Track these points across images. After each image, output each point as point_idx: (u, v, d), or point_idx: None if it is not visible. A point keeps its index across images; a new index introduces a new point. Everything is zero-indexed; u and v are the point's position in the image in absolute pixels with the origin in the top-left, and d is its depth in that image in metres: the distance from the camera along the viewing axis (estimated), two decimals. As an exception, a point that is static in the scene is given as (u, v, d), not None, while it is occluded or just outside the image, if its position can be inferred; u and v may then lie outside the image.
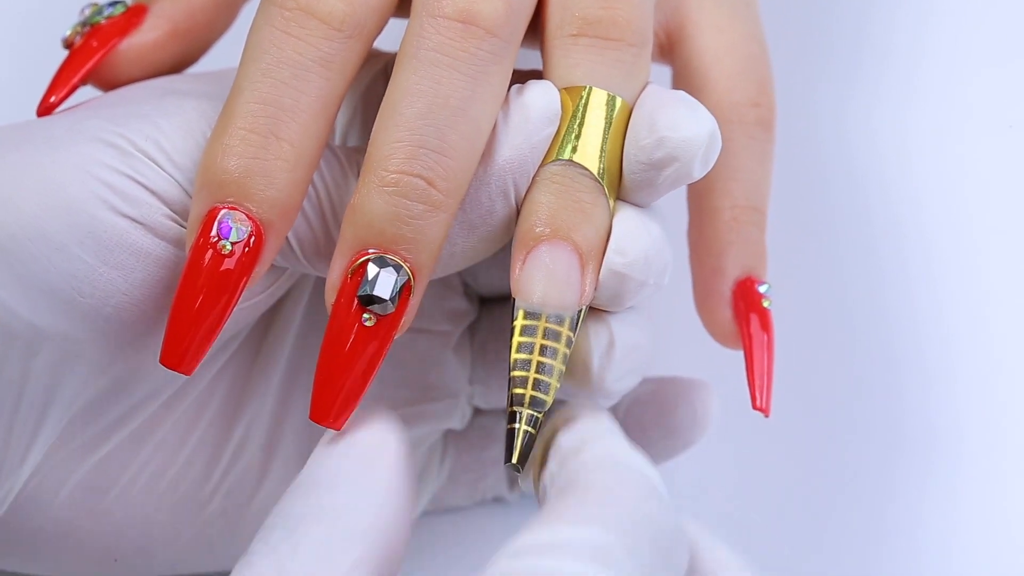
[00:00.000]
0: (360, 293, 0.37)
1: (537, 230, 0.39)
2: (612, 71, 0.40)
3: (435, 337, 0.47)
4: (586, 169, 0.39)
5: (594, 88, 0.39)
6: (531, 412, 0.38)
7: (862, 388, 0.54)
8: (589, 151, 0.39)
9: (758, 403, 0.42)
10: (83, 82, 0.43)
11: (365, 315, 0.37)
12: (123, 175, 0.38)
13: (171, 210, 0.39)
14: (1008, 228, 0.57)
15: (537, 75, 0.41)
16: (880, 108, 0.59)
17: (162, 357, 0.38)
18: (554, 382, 0.38)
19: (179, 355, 0.38)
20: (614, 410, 0.47)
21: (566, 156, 0.39)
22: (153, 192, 0.38)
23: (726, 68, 0.44)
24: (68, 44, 0.44)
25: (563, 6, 0.40)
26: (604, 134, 0.39)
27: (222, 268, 0.37)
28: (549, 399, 0.38)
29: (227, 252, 0.37)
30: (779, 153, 0.46)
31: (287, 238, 0.39)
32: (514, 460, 0.38)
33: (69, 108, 0.42)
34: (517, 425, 0.38)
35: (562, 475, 0.37)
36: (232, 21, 0.45)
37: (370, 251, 0.37)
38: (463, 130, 0.38)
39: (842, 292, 0.56)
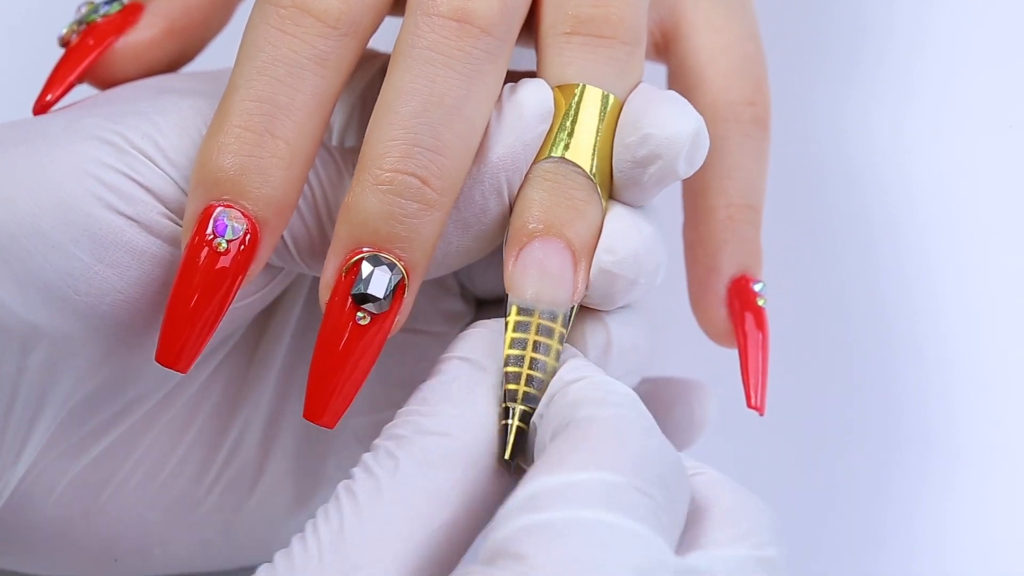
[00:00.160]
0: (354, 291, 0.38)
1: (530, 226, 0.39)
2: (605, 69, 0.40)
3: (433, 338, 0.47)
4: (579, 167, 0.39)
5: (587, 86, 0.40)
6: (524, 408, 0.38)
7: (858, 387, 0.54)
8: (582, 149, 0.39)
9: (753, 402, 0.42)
10: (79, 80, 0.43)
11: (359, 314, 0.38)
12: (119, 173, 0.38)
13: (167, 208, 0.39)
14: (1005, 228, 0.57)
15: (532, 75, 0.41)
16: (878, 107, 0.59)
17: (158, 355, 0.38)
18: (547, 378, 0.38)
19: (175, 353, 0.38)
20: None
21: (559, 153, 0.39)
22: (149, 190, 0.39)
23: (721, 67, 0.45)
24: (64, 42, 0.44)
25: (557, 4, 0.40)
26: (597, 132, 0.39)
27: (218, 266, 0.38)
28: (541, 395, 0.38)
29: (223, 250, 0.38)
30: (776, 152, 0.46)
31: (282, 237, 0.39)
32: (507, 456, 0.38)
33: (65, 107, 0.42)
34: (510, 421, 0.38)
35: (554, 415, 0.37)
36: (228, 19, 0.45)
37: (364, 250, 0.38)
38: (458, 129, 0.38)
39: (839, 291, 0.56)
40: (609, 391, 0.37)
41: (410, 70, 0.38)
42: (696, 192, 0.44)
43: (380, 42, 0.41)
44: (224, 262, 0.38)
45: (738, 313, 0.43)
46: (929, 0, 0.61)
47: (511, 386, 0.38)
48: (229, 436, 0.44)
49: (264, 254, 0.38)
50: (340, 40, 0.39)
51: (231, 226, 0.38)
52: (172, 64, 0.44)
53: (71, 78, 0.43)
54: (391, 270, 0.38)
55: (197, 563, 0.46)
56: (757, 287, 0.44)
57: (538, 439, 0.38)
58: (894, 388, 0.54)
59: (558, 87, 0.40)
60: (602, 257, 0.39)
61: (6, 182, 0.38)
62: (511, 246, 0.39)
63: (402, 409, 0.38)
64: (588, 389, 0.37)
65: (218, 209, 0.38)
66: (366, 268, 0.37)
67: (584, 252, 0.39)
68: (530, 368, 0.38)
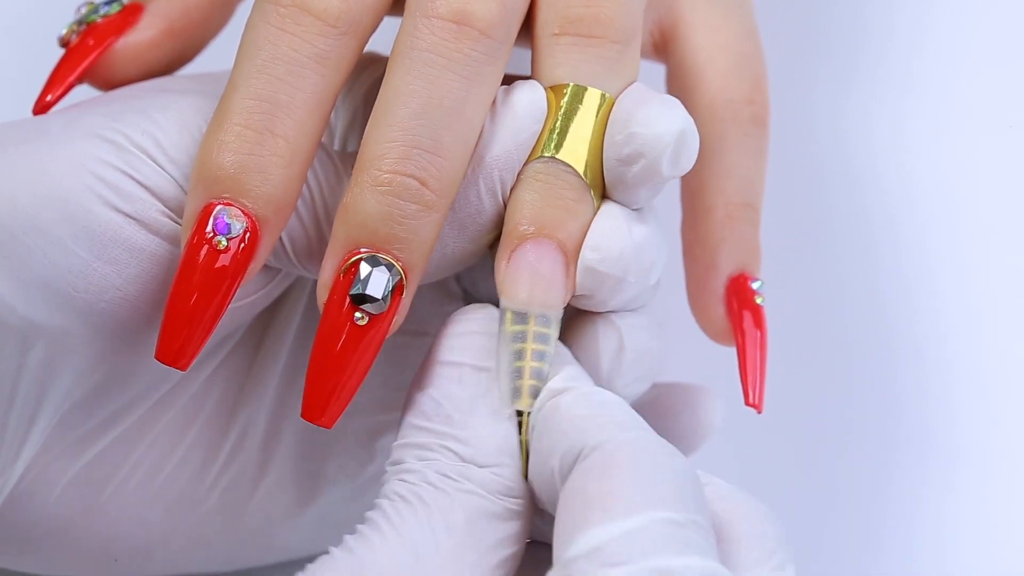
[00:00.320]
0: (352, 292, 0.38)
1: (522, 229, 0.39)
2: (594, 68, 0.40)
3: (431, 340, 0.47)
4: (570, 166, 0.39)
5: (576, 85, 0.40)
6: (529, 422, 0.39)
7: (857, 386, 0.54)
8: (573, 148, 0.40)
9: (750, 399, 0.43)
10: (79, 81, 0.44)
11: (357, 314, 0.38)
12: (118, 171, 0.39)
13: (166, 206, 0.39)
14: (1005, 227, 0.57)
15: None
16: (878, 107, 0.59)
17: (157, 353, 0.38)
18: (542, 385, 0.39)
19: (174, 351, 0.38)
20: None
21: (549, 153, 0.40)
22: (148, 188, 0.39)
23: (720, 66, 0.45)
24: (64, 43, 0.44)
25: (549, 5, 0.40)
26: (589, 131, 0.40)
27: (217, 264, 0.38)
28: (537, 402, 0.38)
29: (223, 248, 0.38)
30: (776, 152, 0.46)
31: (280, 238, 0.40)
32: (524, 473, 0.39)
33: (66, 107, 0.42)
34: (523, 436, 0.39)
35: (550, 432, 0.37)
36: (228, 19, 0.45)
37: (362, 250, 0.38)
38: (456, 131, 0.38)
39: (838, 290, 0.56)
40: (601, 403, 0.37)
41: (409, 72, 0.38)
42: (694, 191, 0.44)
43: (379, 43, 0.41)
44: (224, 260, 0.38)
45: (736, 311, 0.44)
46: (929, 0, 0.61)
47: (519, 402, 0.38)
48: (230, 437, 0.45)
49: (264, 252, 0.38)
50: (340, 39, 0.39)
51: (231, 224, 0.38)
52: (172, 64, 0.44)
53: (71, 78, 0.43)
54: (389, 271, 0.38)
55: (197, 563, 0.46)
56: (755, 285, 0.44)
57: (533, 454, 0.38)
58: (893, 387, 0.54)
59: (550, 87, 0.40)
60: (587, 255, 0.39)
61: (6, 180, 0.39)
62: (503, 248, 0.39)
63: (426, 424, 0.39)
64: (579, 405, 0.37)
65: (218, 207, 0.38)
66: (364, 268, 0.38)
67: (575, 253, 0.39)
68: (531, 379, 0.38)
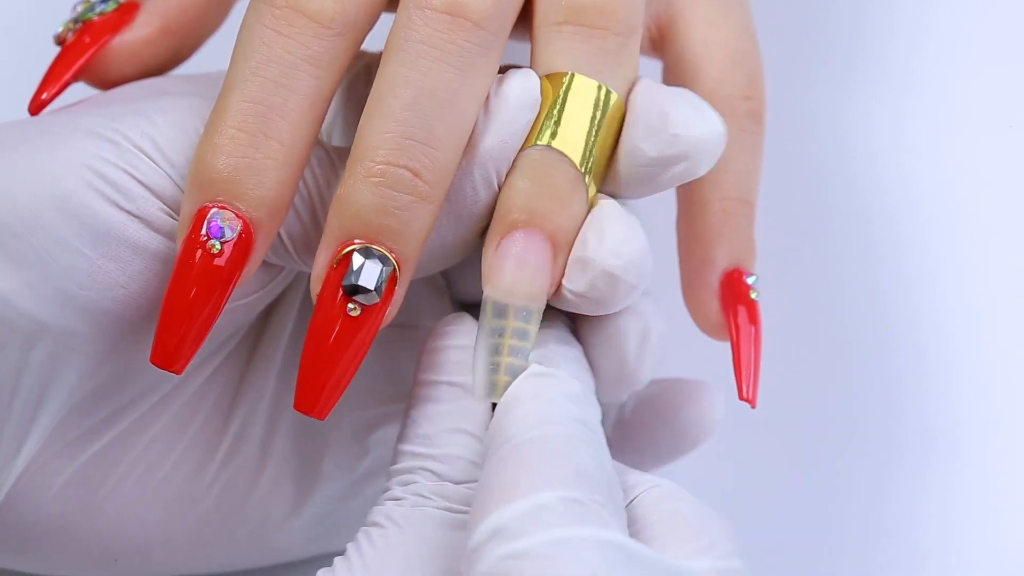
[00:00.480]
0: (345, 283, 0.38)
1: (512, 217, 0.39)
2: (595, 59, 0.40)
3: (425, 333, 0.47)
4: (565, 156, 0.40)
5: (576, 74, 0.40)
6: None
7: (854, 384, 0.54)
8: (569, 138, 0.40)
9: (744, 394, 0.43)
10: (75, 79, 0.44)
11: (350, 305, 0.38)
12: (119, 169, 0.39)
13: (166, 205, 0.39)
14: (1005, 227, 0.57)
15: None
16: (878, 106, 0.60)
17: (153, 356, 0.38)
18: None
19: (169, 354, 0.38)
20: (620, 411, 0.48)
21: (545, 142, 0.40)
22: (148, 187, 0.39)
23: (717, 62, 0.45)
24: (60, 41, 0.44)
25: None
26: (590, 122, 0.40)
27: (212, 267, 0.38)
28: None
29: (217, 251, 0.38)
30: (775, 150, 0.47)
31: (279, 234, 0.40)
32: None
33: (64, 107, 0.42)
34: None
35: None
36: (224, 17, 0.45)
37: (356, 242, 0.38)
38: (450, 122, 0.38)
39: (838, 290, 0.56)
40: (535, 397, 0.38)
41: (403, 63, 0.38)
42: (690, 186, 0.45)
43: (374, 42, 0.42)
44: (218, 263, 0.38)
45: (731, 306, 0.44)
46: (929, 0, 0.61)
47: (494, 396, 0.39)
48: (228, 435, 0.45)
49: (258, 255, 0.39)
50: (334, 40, 0.39)
51: (225, 227, 0.38)
52: (168, 63, 0.45)
53: (67, 76, 0.44)
54: (382, 262, 0.38)
55: (197, 564, 0.46)
56: (750, 280, 0.44)
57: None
58: (891, 386, 0.54)
59: (547, 76, 0.40)
60: (608, 260, 0.39)
61: (7, 179, 0.39)
62: (492, 235, 0.39)
63: (409, 448, 0.40)
64: (522, 395, 0.38)
65: (212, 211, 0.38)
66: (357, 260, 0.38)
67: (563, 245, 0.39)
68: (506, 374, 0.39)
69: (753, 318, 0.44)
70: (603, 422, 0.46)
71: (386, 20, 0.41)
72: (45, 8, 0.49)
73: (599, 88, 0.40)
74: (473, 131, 0.39)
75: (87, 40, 0.44)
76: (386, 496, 0.40)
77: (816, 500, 0.53)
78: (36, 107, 0.43)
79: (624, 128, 0.41)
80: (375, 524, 0.39)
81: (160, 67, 0.45)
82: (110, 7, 0.44)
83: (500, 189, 0.40)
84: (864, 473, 0.53)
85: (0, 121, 0.41)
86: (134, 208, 0.39)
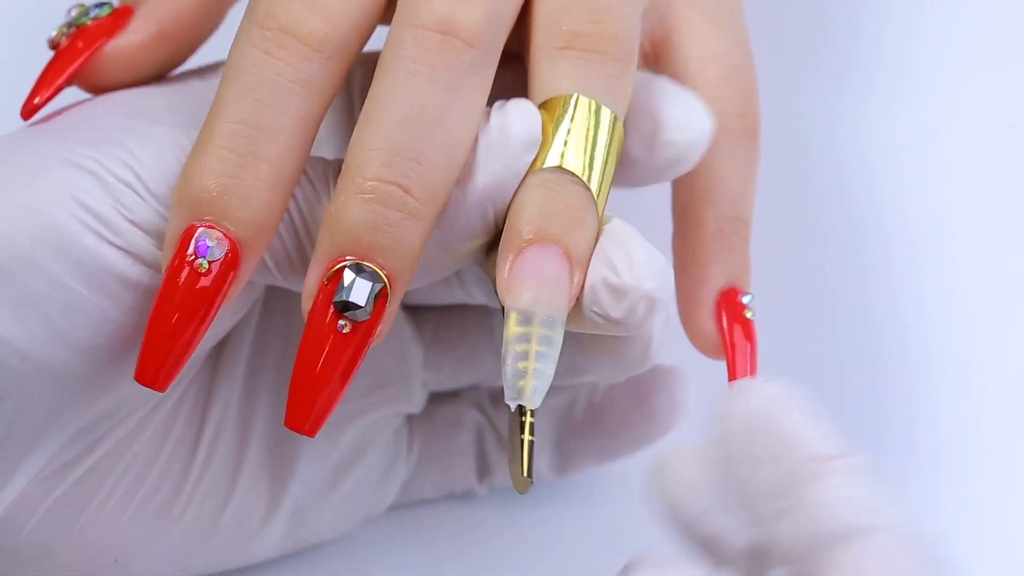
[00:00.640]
0: (336, 299, 0.38)
1: (526, 234, 0.39)
2: (598, 84, 0.40)
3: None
4: (576, 176, 0.40)
5: (584, 96, 0.40)
6: (532, 420, 0.39)
7: (848, 398, 0.54)
8: (578, 159, 0.40)
9: None
10: (68, 83, 0.44)
11: (341, 322, 0.38)
12: (107, 204, 0.39)
13: (152, 238, 0.40)
14: (998, 232, 0.58)
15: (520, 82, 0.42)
16: (870, 112, 0.60)
17: (137, 374, 0.39)
18: (545, 387, 0.39)
19: (154, 372, 0.39)
20: (592, 393, 0.48)
21: (555, 163, 0.40)
22: (135, 222, 0.39)
23: (711, 78, 0.45)
24: (54, 45, 0.44)
25: (551, 20, 0.41)
26: (595, 143, 0.40)
27: (198, 286, 0.38)
28: (539, 404, 0.39)
29: (204, 270, 0.38)
30: (768, 158, 0.47)
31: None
32: (528, 474, 0.39)
33: (35, 125, 0.42)
34: (526, 436, 0.39)
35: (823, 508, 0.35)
36: (219, 23, 0.45)
37: (347, 258, 0.38)
38: (440, 141, 0.38)
39: (831, 300, 0.56)
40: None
41: (393, 81, 0.39)
42: (685, 204, 0.45)
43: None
44: (204, 283, 0.38)
45: (726, 325, 0.44)
46: (923, 4, 0.61)
47: (523, 400, 0.38)
48: (202, 449, 0.45)
49: (245, 275, 0.39)
50: (325, 63, 0.39)
51: (212, 247, 0.38)
52: (162, 68, 0.45)
53: (59, 81, 0.44)
54: (373, 279, 0.38)
55: (176, 572, 0.46)
56: (745, 299, 0.44)
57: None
58: (885, 400, 0.54)
59: (551, 99, 0.40)
60: (647, 285, 0.39)
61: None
62: (505, 252, 0.39)
63: None
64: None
65: (200, 230, 0.38)
66: (348, 276, 0.38)
67: (580, 262, 0.39)
68: (534, 379, 0.38)
69: (749, 337, 0.44)
70: (575, 406, 0.47)
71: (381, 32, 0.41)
72: (45, 9, 0.49)
73: (604, 111, 0.40)
74: (471, 165, 0.39)
75: (80, 45, 0.43)
76: None
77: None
78: (28, 111, 0.43)
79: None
80: None
81: (154, 73, 0.44)
82: (104, 12, 0.44)
83: (496, 220, 0.40)
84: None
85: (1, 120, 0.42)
86: (125, 243, 0.39)
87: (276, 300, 0.46)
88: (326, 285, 0.38)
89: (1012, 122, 0.59)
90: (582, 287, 0.39)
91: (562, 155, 0.40)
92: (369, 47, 0.41)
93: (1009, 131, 0.59)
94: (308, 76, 0.39)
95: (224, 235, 0.38)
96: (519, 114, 0.40)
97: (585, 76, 0.40)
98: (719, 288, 0.44)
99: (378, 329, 0.38)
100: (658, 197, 0.46)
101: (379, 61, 0.39)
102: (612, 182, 0.41)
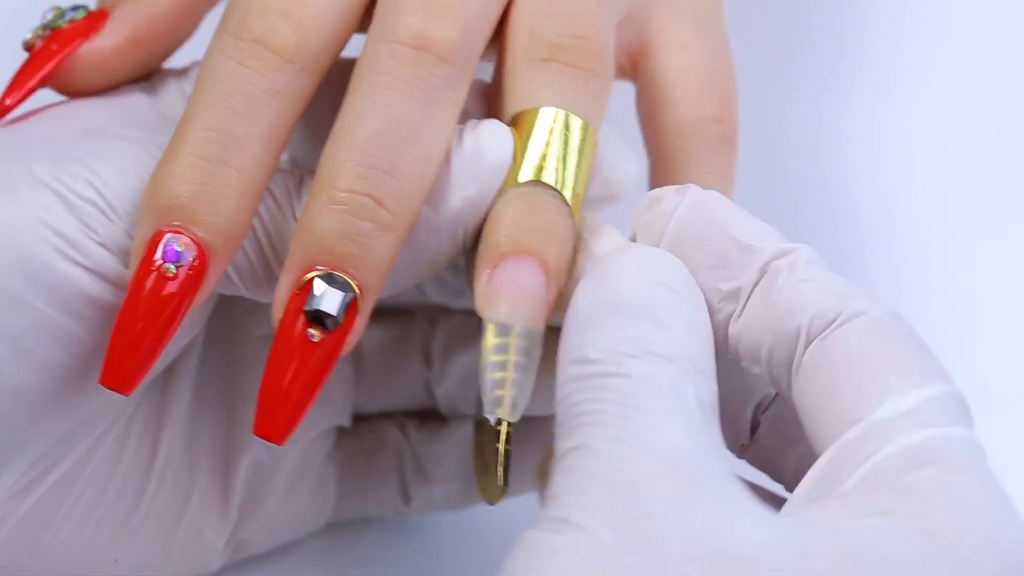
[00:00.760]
0: (307, 308, 0.38)
1: (504, 247, 0.39)
2: (582, 99, 0.41)
3: None
4: (554, 189, 0.40)
5: (565, 111, 0.40)
6: (508, 430, 0.39)
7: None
8: (555, 172, 0.40)
9: None
10: (41, 85, 0.44)
11: (311, 330, 0.38)
12: (73, 225, 0.39)
13: (118, 256, 0.40)
14: (977, 234, 0.58)
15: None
16: (850, 114, 0.60)
17: (102, 378, 0.39)
18: (526, 399, 0.39)
19: (119, 376, 0.39)
20: None
21: (534, 176, 0.40)
22: (101, 241, 0.40)
23: (689, 84, 0.46)
24: (29, 47, 0.44)
25: (531, 31, 0.41)
26: (575, 157, 0.40)
27: (165, 291, 0.38)
28: (518, 415, 0.39)
29: (171, 275, 0.38)
30: (749, 159, 0.47)
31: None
32: (504, 483, 0.40)
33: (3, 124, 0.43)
34: (500, 445, 0.39)
35: (801, 294, 0.37)
36: (194, 30, 0.46)
37: (318, 268, 0.38)
38: (413, 154, 0.39)
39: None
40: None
41: (368, 95, 0.39)
42: None
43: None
44: (172, 287, 0.38)
45: None
46: (904, 6, 0.62)
47: (500, 410, 0.38)
48: (158, 459, 0.45)
49: (211, 282, 0.39)
50: (297, 75, 0.40)
51: (181, 252, 0.38)
52: (135, 72, 0.45)
53: (32, 82, 0.44)
54: (344, 288, 0.38)
55: None
56: None
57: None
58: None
59: (530, 109, 0.41)
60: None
61: None
62: (483, 263, 0.39)
63: None
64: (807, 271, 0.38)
65: (168, 235, 0.38)
66: (319, 286, 0.38)
67: (556, 276, 0.39)
68: (512, 389, 0.38)
69: None
70: None
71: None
72: (22, 11, 0.49)
73: (584, 126, 0.41)
74: (444, 187, 0.40)
75: (54, 47, 0.44)
76: None
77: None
78: (0, 112, 0.43)
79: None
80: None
81: (127, 76, 0.45)
82: (80, 15, 0.44)
83: (466, 240, 0.40)
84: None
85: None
86: (91, 264, 0.39)
87: (219, 316, 0.46)
88: (297, 295, 0.38)
89: (1010, 122, 0.59)
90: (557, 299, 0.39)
91: (540, 168, 0.40)
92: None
93: (993, 132, 0.60)
94: (280, 87, 0.39)
95: (192, 241, 0.38)
96: (492, 136, 0.40)
97: (569, 91, 0.40)
98: None
99: (348, 339, 0.39)
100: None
101: (353, 74, 0.40)
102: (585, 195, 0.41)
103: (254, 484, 0.47)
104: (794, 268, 0.38)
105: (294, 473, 0.48)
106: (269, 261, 0.40)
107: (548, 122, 0.40)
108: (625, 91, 0.47)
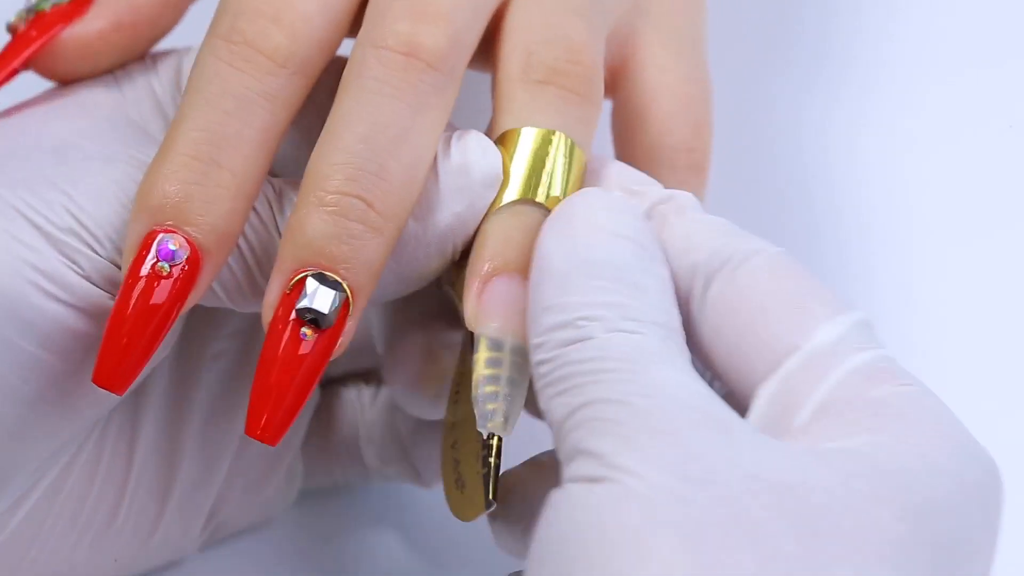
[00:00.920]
0: (299, 306, 0.38)
1: (494, 264, 0.40)
2: (571, 122, 0.41)
3: None
4: (545, 208, 0.40)
5: (563, 135, 0.41)
6: (499, 444, 0.39)
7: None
8: (546, 191, 0.41)
9: None
10: (24, 67, 0.44)
11: (304, 329, 0.38)
12: (54, 261, 0.39)
13: (103, 287, 0.40)
14: (962, 232, 0.58)
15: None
16: (836, 115, 0.60)
17: (95, 377, 0.39)
18: (518, 413, 0.39)
19: (113, 376, 0.39)
20: None
21: (522, 194, 0.41)
22: (84, 274, 0.40)
23: (664, 109, 0.46)
24: (12, 29, 0.45)
25: (526, 51, 0.42)
26: (564, 177, 0.41)
27: (159, 290, 0.39)
28: (510, 429, 0.39)
29: (165, 273, 0.38)
30: (736, 159, 0.48)
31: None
32: (494, 496, 0.39)
33: None
34: (492, 459, 0.39)
35: (695, 235, 0.39)
36: (177, 20, 0.46)
37: (308, 270, 0.38)
38: (402, 158, 0.39)
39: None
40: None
41: (356, 99, 0.39)
42: None
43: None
44: (165, 286, 0.39)
45: None
46: (893, 6, 0.62)
47: (492, 424, 0.39)
48: (133, 470, 0.45)
49: (204, 284, 0.39)
50: (289, 79, 0.40)
51: (176, 251, 0.38)
52: (119, 59, 0.45)
53: (14, 64, 0.44)
54: (336, 288, 0.38)
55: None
56: None
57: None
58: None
59: (522, 129, 0.41)
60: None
61: None
62: (473, 279, 0.40)
63: None
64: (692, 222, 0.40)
65: (161, 235, 0.39)
66: (311, 284, 0.38)
67: None
68: (504, 403, 0.39)
69: None
70: None
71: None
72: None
73: (576, 149, 0.41)
74: (433, 203, 0.40)
75: (37, 31, 0.44)
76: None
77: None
78: (-18, 94, 0.43)
79: None
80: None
81: (110, 63, 0.45)
82: (64, -1, 0.44)
83: (455, 255, 0.41)
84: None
85: None
86: (75, 299, 0.40)
87: (193, 318, 0.46)
88: (288, 295, 0.38)
89: (1010, 122, 0.59)
90: None
91: (531, 187, 0.40)
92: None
93: (981, 134, 0.60)
94: (273, 90, 0.40)
95: (186, 240, 0.39)
96: (479, 149, 0.41)
97: (562, 114, 0.41)
98: None
99: (339, 341, 0.39)
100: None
101: (342, 80, 0.40)
102: None
103: (229, 476, 0.47)
104: (681, 211, 0.40)
105: (270, 458, 0.48)
106: (252, 272, 0.40)
107: (541, 142, 0.41)
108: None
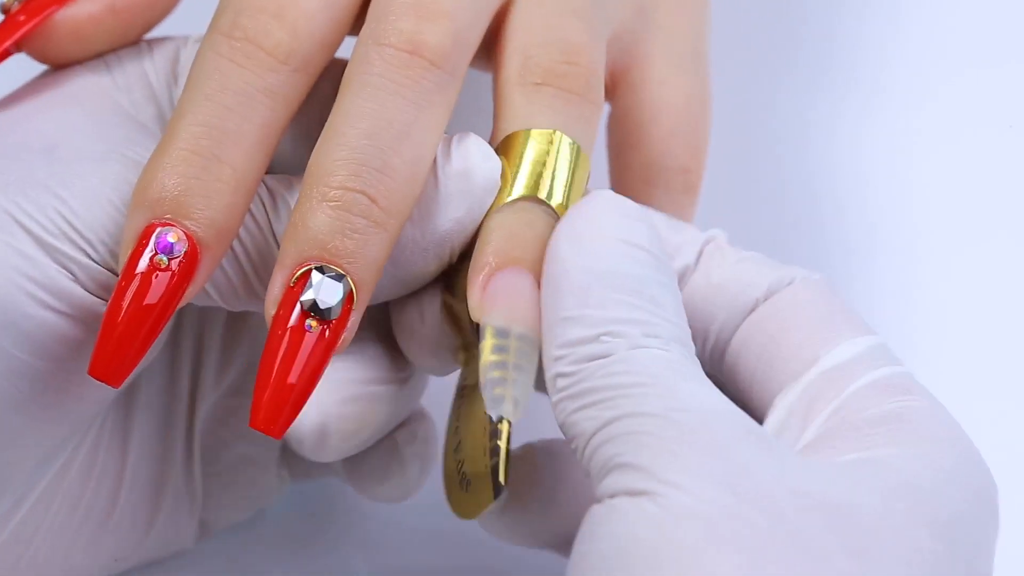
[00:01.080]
0: (304, 298, 0.38)
1: (499, 258, 0.40)
2: (572, 122, 0.42)
3: None
4: (547, 205, 0.41)
5: (563, 135, 0.41)
6: (510, 430, 0.40)
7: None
8: (549, 189, 0.41)
9: None
10: (16, 48, 0.44)
11: (308, 321, 0.38)
12: (49, 269, 0.39)
13: (95, 293, 0.40)
14: (968, 234, 0.59)
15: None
16: (842, 115, 0.61)
17: (91, 369, 0.39)
18: (527, 398, 0.39)
19: (110, 369, 0.39)
20: None
21: (525, 192, 0.41)
22: (78, 280, 0.40)
23: (662, 127, 0.47)
24: (5, 10, 0.45)
25: (525, 55, 0.42)
26: (567, 176, 0.41)
27: (157, 282, 0.38)
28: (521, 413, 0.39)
29: (164, 266, 0.38)
30: (740, 159, 0.49)
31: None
32: (505, 480, 0.39)
33: None
34: (502, 444, 0.40)
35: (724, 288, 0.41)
36: (173, 6, 0.46)
37: (311, 264, 0.38)
38: (405, 154, 0.39)
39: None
40: None
41: (359, 95, 0.39)
42: None
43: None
44: (163, 280, 0.38)
45: None
46: (899, 8, 0.62)
47: (502, 407, 0.38)
48: (129, 461, 0.45)
49: (202, 278, 0.39)
50: (290, 75, 0.40)
51: (174, 244, 0.38)
52: (112, 43, 0.45)
53: (7, 44, 0.44)
54: (340, 281, 0.38)
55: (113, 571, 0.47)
56: None
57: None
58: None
59: (523, 131, 0.41)
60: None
61: None
62: (476, 273, 0.40)
63: None
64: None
65: (159, 228, 0.38)
66: (316, 276, 0.38)
67: None
68: (513, 390, 0.38)
69: None
70: None
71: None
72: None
73: (578, 148, 0.41)
74: (432, 208, 0.40)
75: (29, 12, 0.44)
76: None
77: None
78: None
79: None
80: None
81: (104, 47, 0.45)
82: (59, -20, 0.44)
83: (452, 258, 0.41)
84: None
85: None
86: (68, 307, 0.40)
87: (185, 316, 0.46)
88: (292, 288, 0.38)
89: (1011, 123, 0.60)
90: None
91: (534, 185, 0.41)
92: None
93: (986, 134, 0.60)
94: (273, 86, 0.40)
95: (185, 233, 0.38)
96: (480, 155, 0.41)
97: (562, 114, 0.41)
98: None
99: (343, 336, 0.39)
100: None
101: (344, 77, 0.40)
102: None
103: (223, 471, 0.47)
104: (723, 249, 0.41)
105: (262, 452, 0.48)
106: (246, 273, 0.41)
107: (542, 142, 0.41)
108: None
